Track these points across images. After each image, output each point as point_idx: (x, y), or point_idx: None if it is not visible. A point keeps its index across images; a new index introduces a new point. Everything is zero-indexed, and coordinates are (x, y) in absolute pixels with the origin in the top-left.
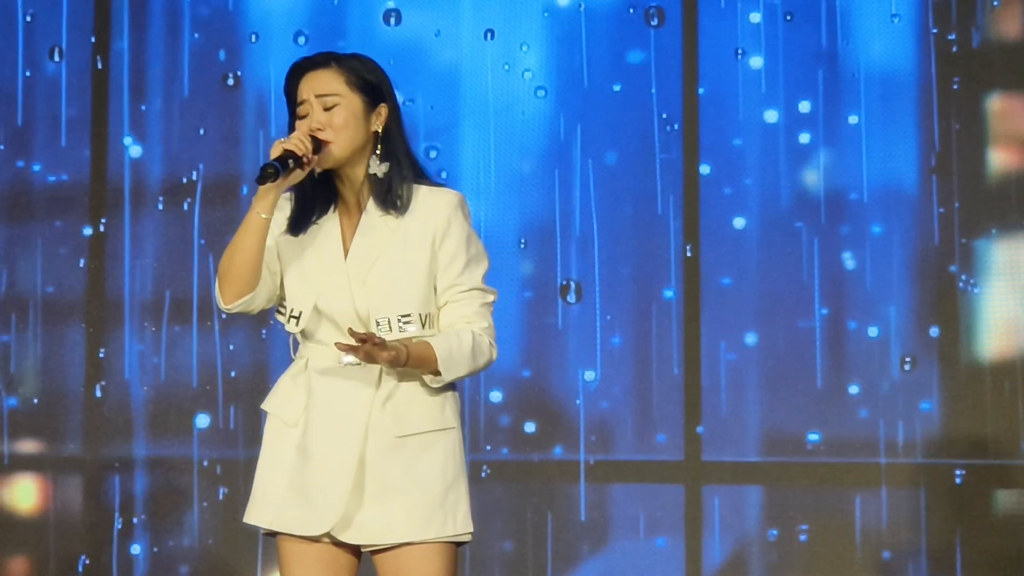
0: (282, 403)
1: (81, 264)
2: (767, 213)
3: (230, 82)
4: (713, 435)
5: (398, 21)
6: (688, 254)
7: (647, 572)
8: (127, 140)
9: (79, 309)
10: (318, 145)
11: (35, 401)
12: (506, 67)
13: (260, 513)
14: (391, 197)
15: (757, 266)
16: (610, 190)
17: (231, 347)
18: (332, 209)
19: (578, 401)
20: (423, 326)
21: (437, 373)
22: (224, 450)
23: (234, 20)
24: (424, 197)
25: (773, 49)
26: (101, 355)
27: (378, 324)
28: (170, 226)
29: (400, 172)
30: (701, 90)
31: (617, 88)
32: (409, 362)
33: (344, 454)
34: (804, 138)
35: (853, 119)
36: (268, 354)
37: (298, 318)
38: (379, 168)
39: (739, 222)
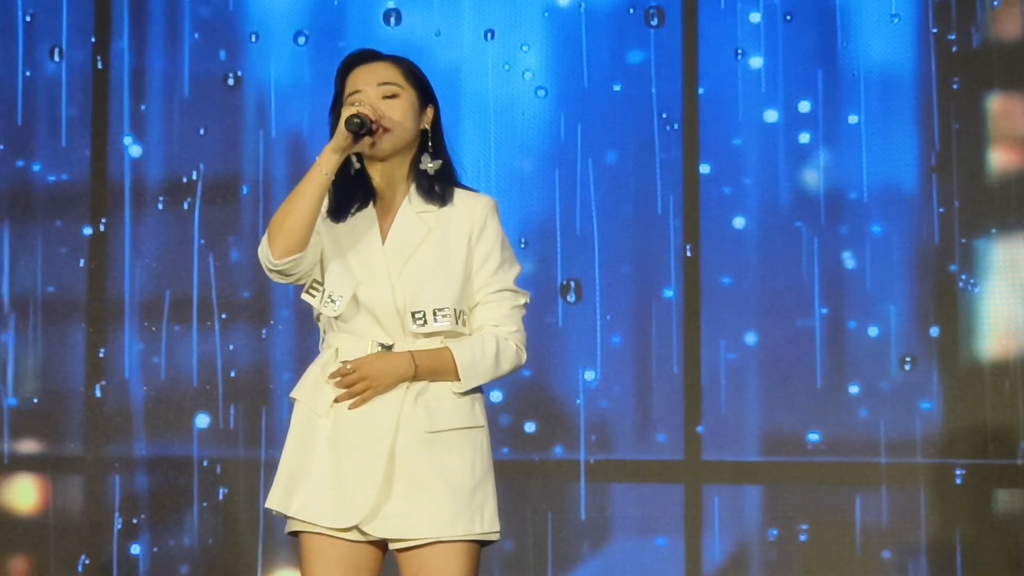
0: (312, 392)
1: (81, 264)
2: (767, 213)
3: (230, 82)
4: (713, 434)
5: (398, 21)
6: (688, 253)
7: (647, 571)
8: (127, 140)
9: (79, 309)
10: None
11: (35, 401)
12: (506, 67)
13: (287, 500)
14: (436, 193)
15: (757, 266)
16: (610, 190)
17: (231, 347)
18: (371, 203)
19: (578, 401)
20: (457, 322)
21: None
22: (224, 450)
23: (234, 20)
24: (462, 197)
25: (773, 49)
26: (101, 355)
27: (414, 317)
28: (170, 226)
29: (445, 170)
30: (701, 90)
31: (617, 88)
32: (418, 375)
33: (375, 447)
34: (804, 138)
35: (853, 119)
36: (268, 354)
37: (336, 303)
38: (431, 165)
39: (739, 222)
